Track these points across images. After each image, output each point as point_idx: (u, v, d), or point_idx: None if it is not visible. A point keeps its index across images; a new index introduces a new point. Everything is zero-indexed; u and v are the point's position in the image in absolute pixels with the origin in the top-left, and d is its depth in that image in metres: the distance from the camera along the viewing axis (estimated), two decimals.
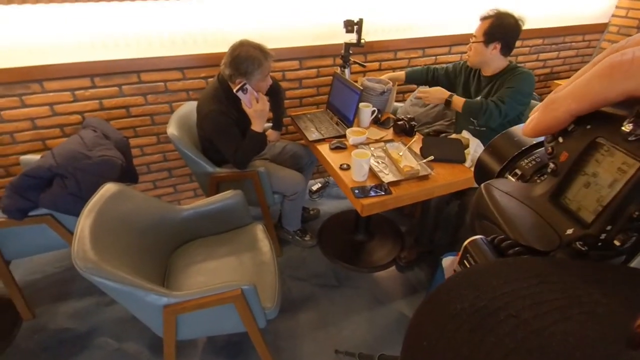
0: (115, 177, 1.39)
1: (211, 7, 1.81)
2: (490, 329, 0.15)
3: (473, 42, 1.57)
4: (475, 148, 1.61)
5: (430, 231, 1.84)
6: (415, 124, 1.72)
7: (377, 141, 1.69)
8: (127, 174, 1.57)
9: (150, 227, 1.30)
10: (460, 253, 0.24)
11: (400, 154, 1.52)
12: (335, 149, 1.62)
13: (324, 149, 1.64)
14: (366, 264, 1.93)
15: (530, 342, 0.14)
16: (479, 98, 1.63)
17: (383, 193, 1.31)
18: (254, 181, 1.66)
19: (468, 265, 0.24)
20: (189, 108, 1.81)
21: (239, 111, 1.53)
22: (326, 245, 2.02)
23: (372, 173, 1.42)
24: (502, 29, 1.49)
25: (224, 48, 1.91)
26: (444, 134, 1.94)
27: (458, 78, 1.83)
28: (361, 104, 1.79)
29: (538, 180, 0.25)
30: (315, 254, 1.99)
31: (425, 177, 1.41)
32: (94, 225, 1.05)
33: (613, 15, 2.76)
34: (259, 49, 1.46)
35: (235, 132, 1.55)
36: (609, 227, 0.18)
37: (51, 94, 1.73)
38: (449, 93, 1.64)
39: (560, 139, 0.20)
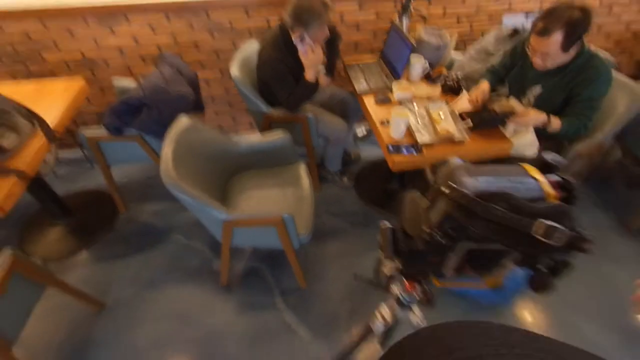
0: (187, 109, 1.64)
1: None
2: None
3: (548, 60, 1.38)
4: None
5: None
6: (463, 86, 1.71)
7: (422, 98, 1.73)
8: (196, 105, 1.82)
9: (214, 155, 1.58)
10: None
11: (441, 115, 1.58)
12: (381, 102, 1.71)
13: (369, 101, 1.73)
14: (395, 210, 2.12)
15: None
16: (575, 120, 1.46)
17: (415, 153, 1.43)
18: (303, 125, 1.83)
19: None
20: (251, 49, 1.94)
21: (295, 59, 1.65)
22: (361, 189, 2.23)
23: (410, 131, 1.52)
24: (578, 32, 1.28)
25: None
26: (494, 92, 1.90)
27: (513, 67, 1.66)
28: (413, 57, 1.79)
29: None
30: (350, 194, 2.21)
31: (459, 143, 1.48)
32: (175, 151, 1.33)
33: None
34: (320, 0, 1.51)
35: (289, 79, 1.69)
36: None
37: (135, 27, 1.96)
38: (544, 114, 1.45)
39: None
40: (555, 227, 0.31)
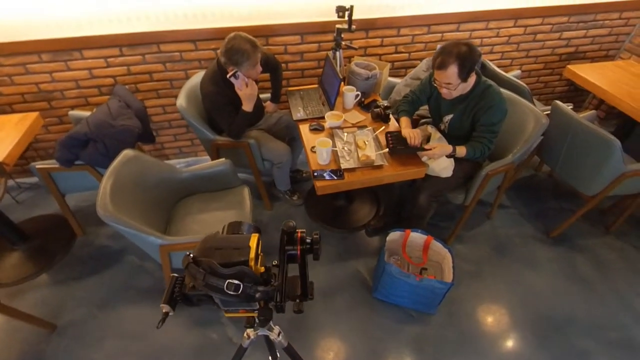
0: (132, 141, 1.77)
1: None
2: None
3: (452, 89, 1.58)
4: (437, 140, 1.79)
5: (396, 206, 2.11)
6: (390, 112, 1.88)
7: (353, 125, 1.90)
8: (145, 137, 1.95)
9: (157, 184, 1.70)
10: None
11: (366, 142, 1.74)
12: (314, 130, 1.86)
13: (304, 128, 1.89)
14: (341, 226, 2.27)
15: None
16: (478, 144, 1.67)
17: (336, 178, 1.58)
18: (246, 151, 1.98)
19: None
20: (198, 79, 2.08)
21: (233, 92, 1.79)
22: (310, 206, 2.37)
23: (335, 158, 1.68)
24: (468, 63, 1.49)
25: (231, 23, 2.13)
26: (425, 120, 2.09)
27: (432, 95, 1.85)
28: (346, 88, 1.97)
29: None
30: (300, 212, 2.36)
31: (379, 167, 1.64)
32: (114, 184, 1.46)
33: None
34: (250, 42, 1.66)
35: (229, 109, 1.83)
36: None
37: (89, 60, 2.09)
38: (451, 147, 1.67)
39: None
40: (238, 284, 0.45)
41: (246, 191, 1.88)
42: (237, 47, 1.64)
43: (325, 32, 2.24)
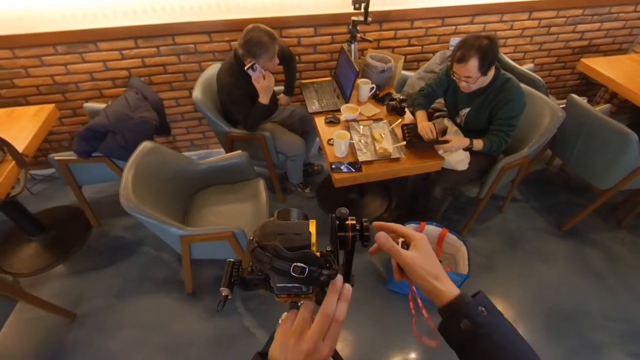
0: (151, 133, 1.78)
1: None
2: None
3: (472, 83, 1.57)
4: (454, 134, 1.79)
5: (410, 199, 2.12)
6: (405, 105, 1.88)
7: (368, 118, 1.90)
8: (161, 129, 1.96)
9: (175, 176, 1.71)
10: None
11: (382, 135, 1.75)
12: (329, 123, 1.87)
13: (319, 121, 1.89)
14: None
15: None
16: (495, 137, 1.66)
17: (354, 170, 1.59)
18: (261, 143, 1.98)
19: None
20: (214, 71, 2.08)
21: (249, 84, 1.79)
22: (322, 199, 2.38)
23: (352, 150, 1.69)
24: (489, 56, 1.48)
25: (246, 14, 2.12)
26: (439, 113, 2.09)
27: (448, 88, 1.84)
28: (361, 80, 1.96)
29: None
30: (312, 204, 2.37)
31: (396, 160, 1.65)
32: (135, 175, 1.47)
33: None
34: (268, 34, 1.65)
35: (246, 101, 1.84)
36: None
37: (104, 52, 2.09)
38: (468, 140, 1.66)
39: None
40: (304, 267, 0.47)
41: (262, 184, 1.89)
42: (255, 38, 1.64)
43: (338, 25, 2.23)
